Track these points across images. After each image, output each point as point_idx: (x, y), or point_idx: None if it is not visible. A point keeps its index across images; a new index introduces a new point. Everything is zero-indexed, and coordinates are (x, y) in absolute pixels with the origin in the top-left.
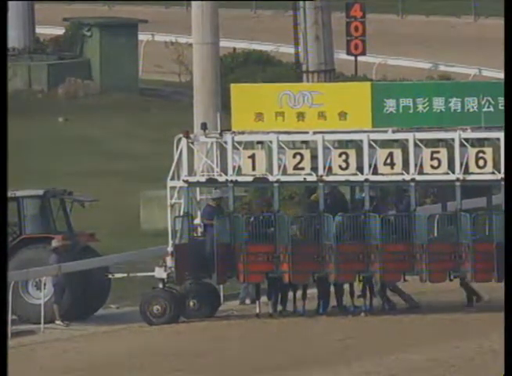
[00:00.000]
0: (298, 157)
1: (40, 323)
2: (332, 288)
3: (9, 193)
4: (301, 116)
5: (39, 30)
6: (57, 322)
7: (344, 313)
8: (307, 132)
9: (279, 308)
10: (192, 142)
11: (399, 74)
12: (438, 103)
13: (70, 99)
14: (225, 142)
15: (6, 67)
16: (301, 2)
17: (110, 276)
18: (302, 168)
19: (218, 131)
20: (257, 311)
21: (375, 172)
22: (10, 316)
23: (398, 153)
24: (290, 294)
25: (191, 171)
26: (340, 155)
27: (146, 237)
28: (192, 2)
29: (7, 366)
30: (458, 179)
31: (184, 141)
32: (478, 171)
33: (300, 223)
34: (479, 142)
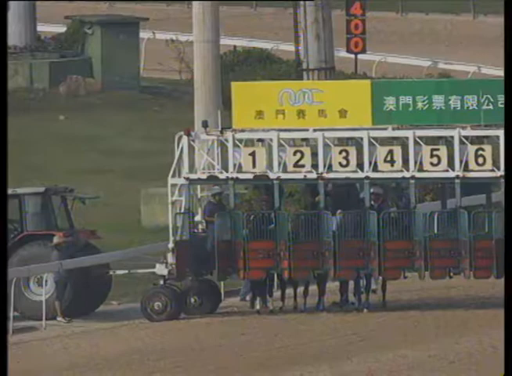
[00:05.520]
0: (298, 155)
1: (42, 320)
2: (331, 285)
3: (11, 191)
4: (301, 113)
5: (40, 27)
6: (59, 318)
7: (347, 309)
8: (307, 130)
9: (280, 304)
10: (193, 140)
11: (399, 71)
12: (438, 101)
13: (71, 97)
14: (226, 140)
15: (6, 66)
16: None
17: (111, 272)
18: (302, 166)
19: (219, 129)
20: (258, 307)
21: (375, 169)
22: (12, 313)
23: (398, 151)
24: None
25: (192, 169)
26: (340, 152)
27: (147, 234)
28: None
29: (7, 363)
30: (457, 177)
31: (185, 139)
32: (478, 168)
33: (300, 220)
34: (478, 140)
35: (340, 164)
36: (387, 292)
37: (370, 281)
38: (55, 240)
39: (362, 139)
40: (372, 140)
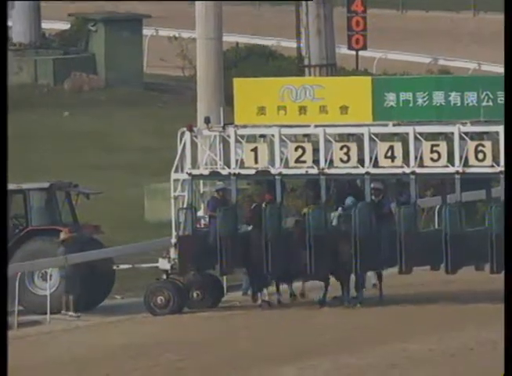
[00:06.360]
0: (300, 150)
1: (46, 314)
2: (332, 280)
3: (16, 186)
4: (302, 110)
5: (45, 25)
6: (70, 313)
7: (344, 304)
8: (308, 126)
9: (278, 297)
10: (196, 136)
11: (399, 68)
12: (438, 97)
13: (75, 93)
14: (228, 136)
15: (6, 63)
16: None
17: (115, 267)
18: (304, 161)
19: (221, 125)
20: (259, 302)
21: (376, 165)
22: (17, 307)
23: (398, 147)
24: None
25: (194, 164)
26: (341, 148)
27: (150, 229)
28: None
29: (7, 359)
30: (457, 172)
31: (187, 134)
32: (478, 164)
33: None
34: (478, 136)
35: (341, 159)
36: (382, 286)
37: (364, 277)
38: (62, 235)
39: (362, 134)
40: (372, 136)
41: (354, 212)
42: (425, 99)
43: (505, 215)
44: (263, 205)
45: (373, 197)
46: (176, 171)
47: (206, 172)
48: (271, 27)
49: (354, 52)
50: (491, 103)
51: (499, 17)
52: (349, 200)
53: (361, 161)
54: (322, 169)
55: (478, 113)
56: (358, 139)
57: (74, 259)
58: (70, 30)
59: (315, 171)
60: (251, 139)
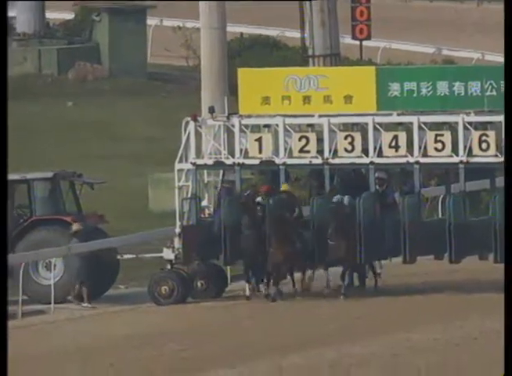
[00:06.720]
0: (304, 140)
1: (50, 304)
2: (336, 269)
3: (20, 176)
4: (307, 99)
5: (49, 15)
6: (84, 304)
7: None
8: (313, 116)
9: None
10: (200, 126)
11: (403, 58)
12: (442, 87)
13: (79, 83)
14: (233, 126)
15: (6, 57)
16: None
17: (119, 257)
18: (308, 151)
19: (226, 115)
20: (266, 292)
21: (380, 155)
22: (21, 297)
23: (402, 136)
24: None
25: (199, 154)
26: (345, 138)
27: (154, 219)
28: None
29: (7, 349)
30: (461, 162)
31: (192, 124)
32: (481, 153)
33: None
34: (482, 126)
35: (345, 149)
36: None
37: (365, 268)
38: (75, 227)
39: (367, 124)
40: (377, 126)
41: (358, 202)
42: (429, 88)
43: (505, 205)
44: (260, 198)
45: (377, 187)
46: (180, 160)
47: (210, 162)
48: (275, 17)
49: (358, 42)
50: (494, 93)
51: (503, 7)
52: (337, 198)
53: (365, 151)
54: (327, 159)
55: (482, 102)
56: (363, 128)
57: (78, 249)
58: (74, 20)
59: (319, 160)
60: (255, 128)
